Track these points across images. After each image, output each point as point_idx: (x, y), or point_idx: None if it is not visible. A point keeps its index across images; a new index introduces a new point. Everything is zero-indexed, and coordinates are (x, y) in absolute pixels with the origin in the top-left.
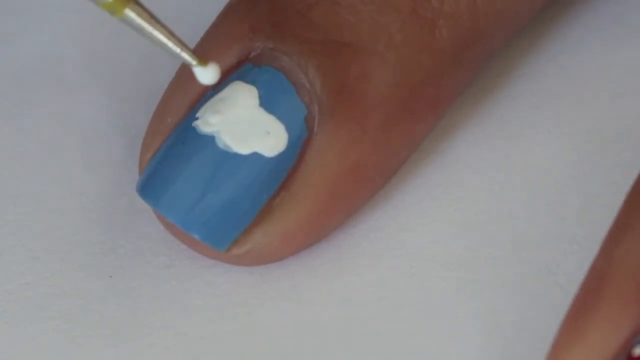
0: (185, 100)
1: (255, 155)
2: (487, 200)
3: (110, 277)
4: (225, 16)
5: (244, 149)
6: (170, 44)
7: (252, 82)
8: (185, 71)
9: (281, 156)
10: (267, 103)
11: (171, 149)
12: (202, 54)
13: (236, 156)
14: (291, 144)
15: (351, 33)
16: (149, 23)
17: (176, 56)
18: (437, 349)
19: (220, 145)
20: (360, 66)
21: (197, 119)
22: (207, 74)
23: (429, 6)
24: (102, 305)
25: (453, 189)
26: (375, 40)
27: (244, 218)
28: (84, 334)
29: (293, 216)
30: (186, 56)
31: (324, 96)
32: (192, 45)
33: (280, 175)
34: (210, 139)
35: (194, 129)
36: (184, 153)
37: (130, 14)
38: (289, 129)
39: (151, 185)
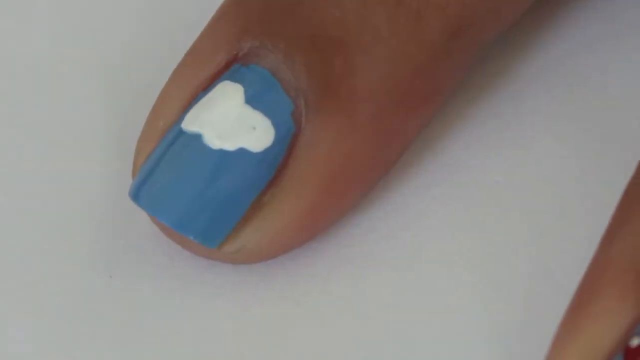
0: (177, 103)
1: (241, 151)
2: (486, 200)
3: (110, 277)
4: (216, 20)
5: (229, 145)
6: None
7: (238, 81)
8: (177, 74)
9: (268, 151)
10: (253, 100)
11: (161, 151)
12: (192, 58)
13: (223, 152)
14: (279, 139)
15: (336, 27)
16: None
17: None
18: (436, 349)
19: (207, 143)
20: (346, 60)
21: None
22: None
23: None
24: (102, 305)
25: (452, 188)
26: (361, 33)
27: (234, 214)
28: (84, 334)
29: (283, 212)
30: None
31: (310, 91)
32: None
33: (269, 171)
34: (196, 137)
35: (180, 130)
36: (171, 154)
37: None
38: (275, 124)
39: (142, 189)
